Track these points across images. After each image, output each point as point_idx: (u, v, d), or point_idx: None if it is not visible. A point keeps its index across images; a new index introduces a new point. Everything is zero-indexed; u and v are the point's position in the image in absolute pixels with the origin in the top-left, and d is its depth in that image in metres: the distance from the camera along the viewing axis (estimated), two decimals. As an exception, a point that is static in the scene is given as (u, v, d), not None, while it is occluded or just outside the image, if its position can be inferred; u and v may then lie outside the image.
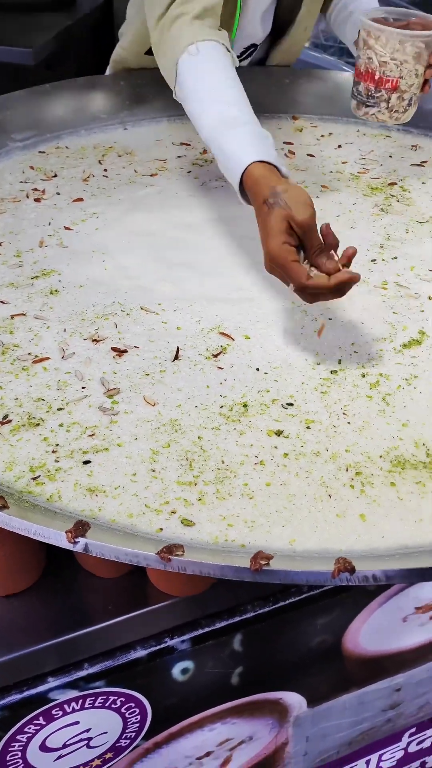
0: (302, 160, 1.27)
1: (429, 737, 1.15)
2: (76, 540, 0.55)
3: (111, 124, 1.35)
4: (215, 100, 0.93)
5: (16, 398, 0.74)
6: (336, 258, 0.78)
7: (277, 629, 0.84)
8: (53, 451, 0.69)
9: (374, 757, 1.12)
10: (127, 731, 0.83)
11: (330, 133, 1.36)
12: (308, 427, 0.73)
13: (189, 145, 1.30)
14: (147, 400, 0.75)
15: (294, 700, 0.94)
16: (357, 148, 1.31)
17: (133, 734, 0.84)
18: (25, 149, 1.24)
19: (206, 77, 0.95)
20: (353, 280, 0.76)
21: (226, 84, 0.95)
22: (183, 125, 1.36)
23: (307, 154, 1.28)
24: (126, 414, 0.74)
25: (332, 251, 0.78)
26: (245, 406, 0.76)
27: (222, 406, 0.75)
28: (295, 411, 0.75)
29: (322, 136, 1.35)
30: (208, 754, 0.93)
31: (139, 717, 0.83)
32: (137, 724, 0.83)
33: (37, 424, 0.71)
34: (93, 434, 0.71)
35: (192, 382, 0.78)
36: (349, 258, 0.77)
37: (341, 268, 0.76)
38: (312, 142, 1.33)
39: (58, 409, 0.74)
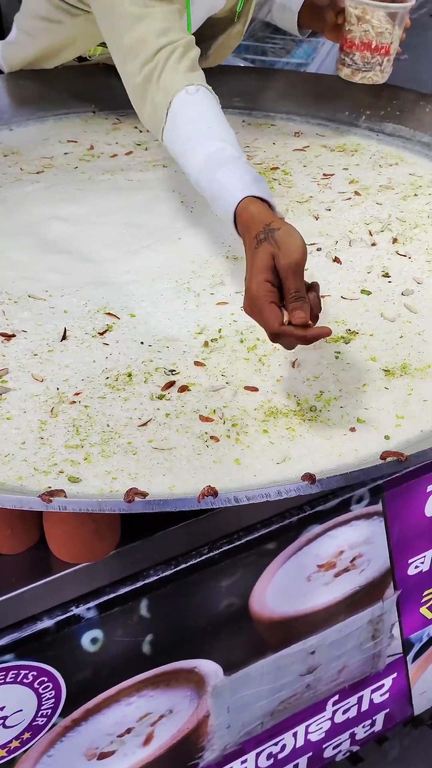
0: (188, 151, 1.40)
1: (353, 705, 1.26)
2: (-37, 495, 0.64)
3: (-4, 125, 1.45)
4: (212, 137, 0.98)
5: None
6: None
7: (183, 593, 0.93)
8: None
9: (301, 729, 1.22)
10: (42, 708, 0.90)
11: (216, 125, 1.50)
12: (189, 389, 0.84)
13: (76, 142, 1.41)
14: (35, 377, 0.85)
15: (209, 668, 1.04)
16: (242, 136, 1.45)
17: (49, 711, 0.91)
18: None
19: (205, 113, 1.02)
20: (325, 334, 0.75)
21: (223, 124, 1.01)
22: (69, 123, 1.48)
23: (193, 145, 1.42)
24: (15, 391, 0.83)
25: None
26: (129, 375, 0.86)
27: (108, 377, 0.85)
28: (177, 377, 0.86)
29: (209, 127, 1.49)
30: (129, 730, 1.01)
31: (53, 692, 0.90)
32: (52, 700, 0.91)
33: None
34: (-18, 411, 0.80)
35: (79, 358, 0.88)
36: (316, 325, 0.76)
37: (310, 322, 0.75)
38: (198, 133, 1.47)
39: None
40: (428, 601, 1.20)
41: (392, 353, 0.90)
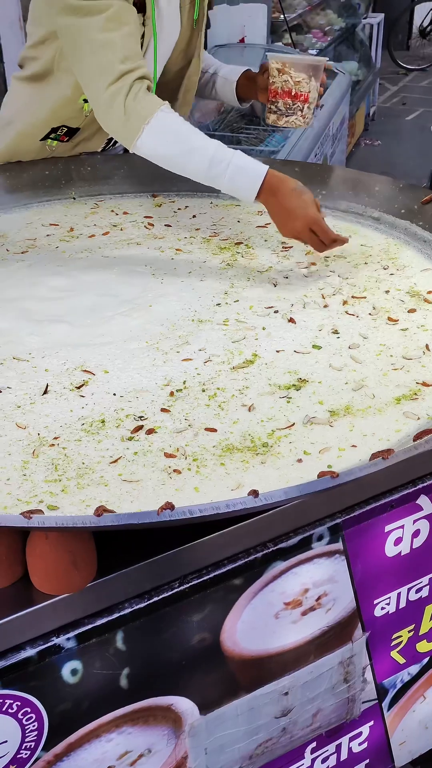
0: (160, 230, 1.60)
1: (332, 754, 1.34)
2: None
3: (-17, 212, 1.67)
4: (206, 137, 1.39)
5: None
6: None
7: (156, 627, 1.05)
8: None
9: (280, 778, 1.30)
10: (26, 740, 1.00)
11: (186, 207, 1.72)
12: (156, 432, 1.00)
13: (57, 225, 1.63)
14: (18, 425, 1.01)
15: (185, 706, 1.14)
16: (210, 217, 1.67)
17: (33, 744, 1.01)
18: None
19: (187, 124, 1.41)
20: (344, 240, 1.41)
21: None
22: (52, 209, 1.70)
23: (165, 225, 1.63)
24: (0, 437, 0.99)
25: None
26: (103, 422, 1.02)
27: (83, 424, 1.01)
28: (145, 422, 1.02)
29: (179, 209, 1.71)
30: (110, 769, 1.10)
31: (36, 724, 1.01)
32: (35, 732, 1.01)
33: None
34: (-28, 455, 0.96)
35: (58, 409, 1.04)
36: None
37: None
38: (170, 214, 1.69)
39: None
40: (398, 645, 1.30)
41: (338, 397, 1.07)
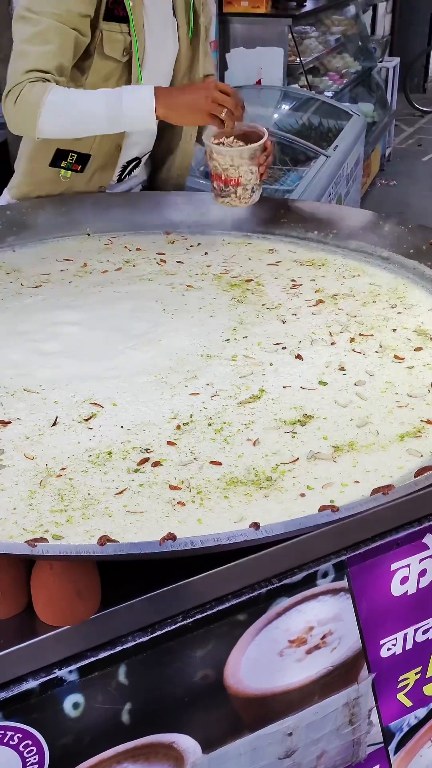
0: (172, 266, 1.65)
1: (337, 798, 1.33)
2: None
3: (0, 248, 1.72)
4: (94, 93, 1.55)
5: None
6: None
7: (159, 661, 1.06)
8: None
9: None
10: (27, 774, 1.01)
11: (198, 243, 1.77)
12: (161, 464, 1.03)
13: (71, 260, 1.67)
14: (27, 456, 1.04)
15: (188, 744, 1.13)
16: (221, 254, 1.72)
17: (33, 778, 1.02)
18: None
19: (76, 92, 1.56)
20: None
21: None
22: (66, 244, 1.75)
23: (177, 261, 1.68)
24: (9, 467, 1.01)
25: None
26: (110, 453, 1.05)
27: (90, 455, 1.04)
28: (151, 455, 1.04)
29: (192, 246, 1.76)
30: (110, 809, 1.10)
31: (37, 757, 1.01)
32: (36, 765, 1.01)
33: None
34: (-20, 484, 0.98)
35: (66, 440, 1.07)
36: None
37: None
38: (182, 251, 1.73)
39: None
40: (405, 687, 1.29)
41: (342, 433, 1.09)
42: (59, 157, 1.74)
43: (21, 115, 1.54)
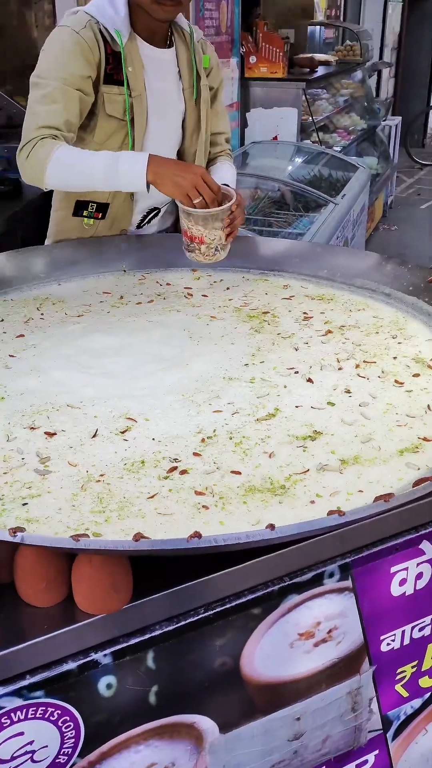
0: (197, 299, 1.68)
1: (341, 780, 1.32)
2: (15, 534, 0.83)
3: (47, 281, 1.76)
4: (96, 155, 1.56)
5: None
6: None
7: (183, 648, 1.07)
8: None
9: (291, 805, 1.28)
10: (64, 746, 1.02)
11: (221, 280, 1.81)
12: (188, 473, 1.05)
13: (109, 293, 1.72)
14: (70, 463, 1.07)
15: (207, 725, 1.14)
16: (242, 289, 1.75)
17: (70, 750, 1.03)
18: (-21, 303, 1.64)
19: (80, 153, 1.59)
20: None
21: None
22: (105, 279, 1.79)
23: (202, 295, 1.71)
24: (54, 473, 1.04)
25: None
26: (143, 462, 1.08)
27: (125, 464, 1.07)
28: (179, 464, 1.07)
29: (215, 282, 1.80)
30: (137, 780, 1.10)
31: (74, 731, 1.02)
32: (73, 740, 1.03)
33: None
34: (30, 487, 1.01)
35: (104, 450, 1.10)
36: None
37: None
38: (206, 286, 1.77)
39: (3, 473, 1.04)
40: (402, 679, 1.29)
41: (348, 448, 1.11)
42: (80, 207, 1.79)
43: (31, 168, 1.58)
